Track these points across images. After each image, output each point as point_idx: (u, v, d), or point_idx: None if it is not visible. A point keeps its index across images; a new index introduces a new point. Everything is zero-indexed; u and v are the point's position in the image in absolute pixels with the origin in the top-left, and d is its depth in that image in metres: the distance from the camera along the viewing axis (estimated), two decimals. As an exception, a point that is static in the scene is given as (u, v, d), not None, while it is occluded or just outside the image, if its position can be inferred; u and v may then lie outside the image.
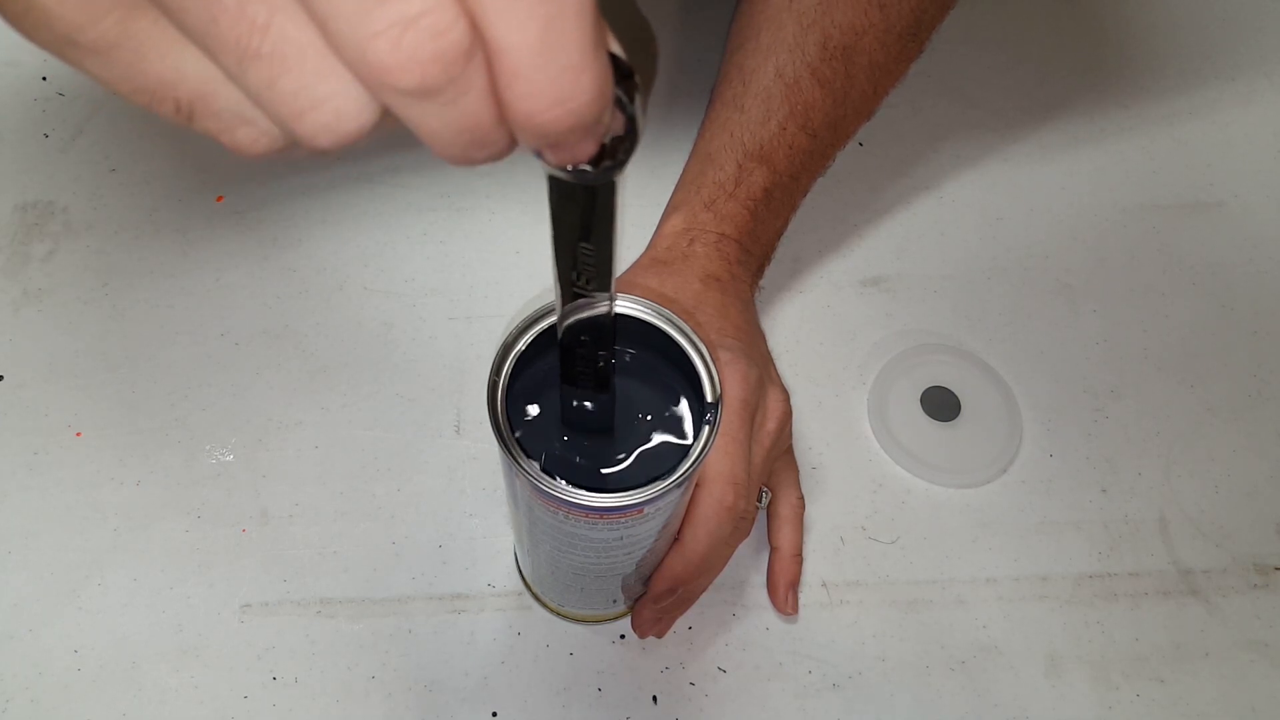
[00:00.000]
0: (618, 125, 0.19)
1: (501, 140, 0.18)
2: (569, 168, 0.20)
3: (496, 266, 0.58)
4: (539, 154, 0.19)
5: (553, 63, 0.16)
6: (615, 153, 0.20)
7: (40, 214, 0.58)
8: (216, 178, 0.60)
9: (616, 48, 0.18)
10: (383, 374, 0.54)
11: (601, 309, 0.28)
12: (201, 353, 0.54)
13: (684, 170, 0.52)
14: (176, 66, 0.18)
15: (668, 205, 0.51)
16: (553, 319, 0.33)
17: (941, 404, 0.55)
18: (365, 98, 0.17)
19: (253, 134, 0.19)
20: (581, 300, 0.27)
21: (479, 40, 0.16)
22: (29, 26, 0.17)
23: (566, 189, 0.22)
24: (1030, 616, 0.49)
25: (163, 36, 0.18)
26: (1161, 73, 0.69)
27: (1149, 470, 0.54)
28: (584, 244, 0.24)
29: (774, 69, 0.50)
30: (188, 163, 0.61)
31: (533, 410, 0.34)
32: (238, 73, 0.17)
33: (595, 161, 0.20)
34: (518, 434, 0.32)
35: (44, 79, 0.63)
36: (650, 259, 0.48)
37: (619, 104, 0.19)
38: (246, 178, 0.60)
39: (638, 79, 0.19)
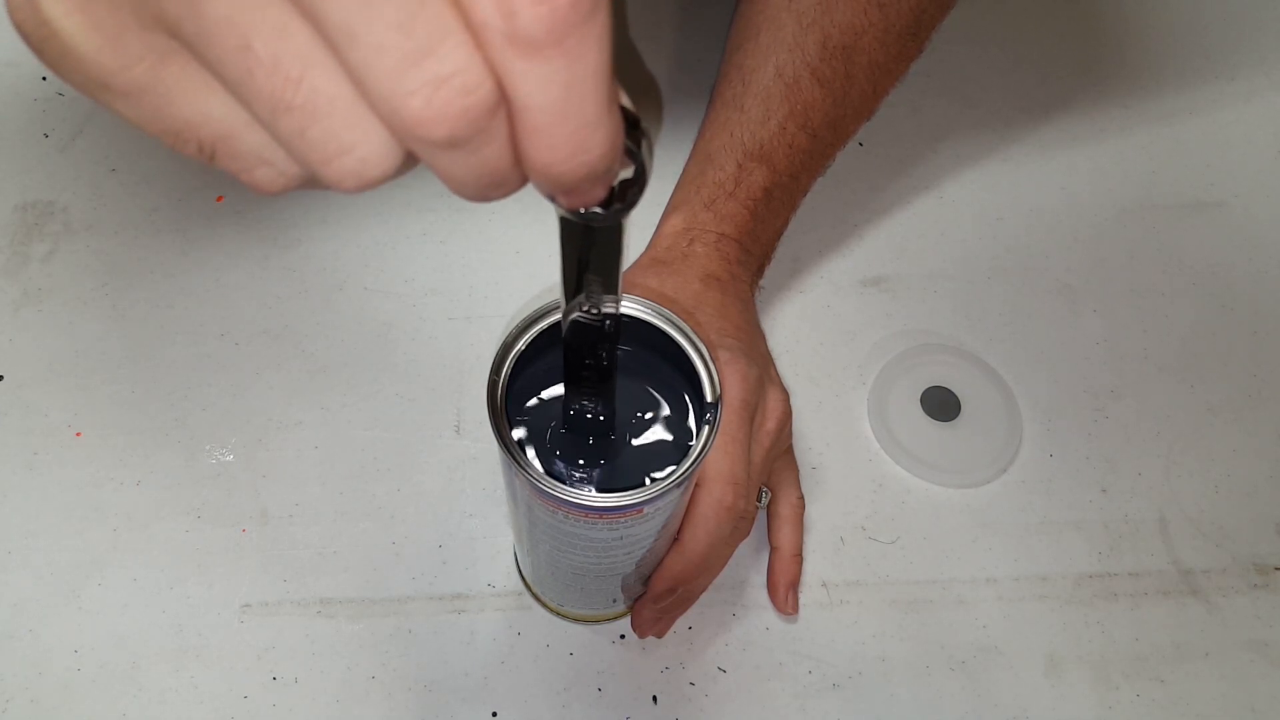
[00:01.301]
0: (626, 170, 0.21)
1: (516, 181, 0.19)
2: (581, 210, 0.21)
3: (496, 266, 0.58)
4: (552, 198, 0.20)
5: (571, 121, 0.17)
6: (624, 196, 0.21)
7: (40, 214, 0.58)
8: (216, 178, 0.60)
9: (626, 101, 0.19)
10: (383, 374, 0.54)
11: (606, 322, 0.28)
12: (201, 353, 0.54)
13: (684, 170, 0.52)
14: (202, 110, 0.19)
15: (668, 205, 0.51)
16: (553, 318, 0.33)
17: (941, 404, 0.55)
18: (390, 146, 0.18)
19: (271, 174, 0.20)
20: (588, 337, 0.29)
21: (503, 98, 0.17)
22: (65, 70, 0.18)
23: (577, 229, 0.23)
24: (1030, 616, 0.49)
25: (191, 82, 0.18)
26: (1161, 72, 0.69)
27: (1149, 470, 0.54)
28: (591, 275, 0.26)
29: (774, 69, 0.50)
30: (188, 163, 0.61)
31: (533, 410, 0.34)
32: (269, 121, 0.18)
33: (605, 204, 0.21)
34: (517, 434, 0.32)
35: (44, 79, 0.64)
36: (650, 259, 0.48)
37: (628, 152, 0.20)
38: (246, 178, 0.60)
39: (645, 128, 0.20)
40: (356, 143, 0.18)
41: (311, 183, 0.20)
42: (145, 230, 0.58)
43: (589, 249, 0.25)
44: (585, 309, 0.28)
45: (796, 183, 0.51)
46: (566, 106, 0.17)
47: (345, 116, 0.18)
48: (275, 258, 0.58)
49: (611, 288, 0.27)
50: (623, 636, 0.48)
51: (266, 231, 0.58)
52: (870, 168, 0.63)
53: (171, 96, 0.19)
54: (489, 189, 0.19)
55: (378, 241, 0.59)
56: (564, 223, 0.24)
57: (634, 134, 0.20)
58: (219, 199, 0.60)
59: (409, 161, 0.19)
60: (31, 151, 0.61)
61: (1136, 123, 0.66)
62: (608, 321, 0.28)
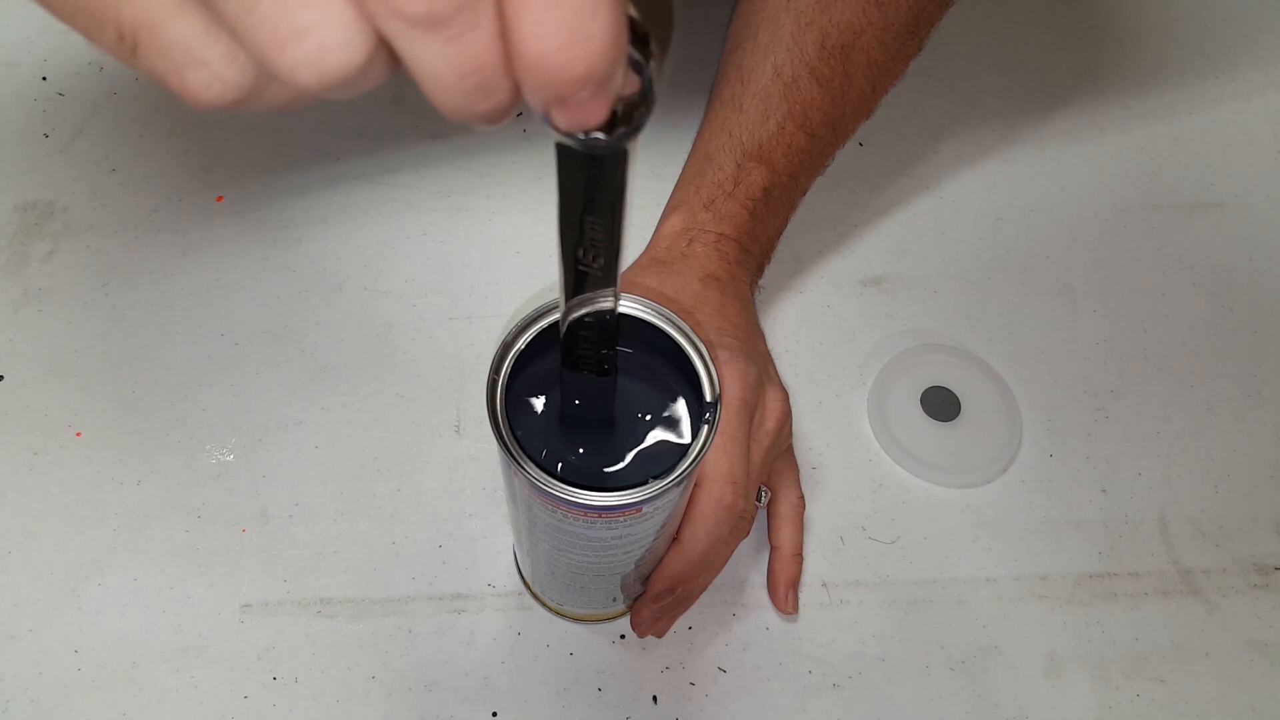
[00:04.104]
0: (632, 87, 0.18)
1: (505, 90, 0.17)
2: (580, 135, 0.19)
3: (496, 266, 0.58)
4: (547, 116, 0.18)
5: (565, 1, 0.15)
6: (630, 117, 0.19)
7: (40, 214, 0.58)
8: (216, 178, 0.60)
9: (634, 10, 0.18)
10: (383, 374, 0.54)
11: (606, 301, 0.27)
12: (201, 353, 0.54)
13: (683, 170, 0.52)
14: None
15: (667, 205, 0.51)
16: (553, 317, 0.33)
17: (941, 404, 0.55)
18: (356, 28, 0.16)
19: (205, 78, 0.17)
20: (586, 292, 0.26)
21: None
22: None
23: (576, 159, 0.21)
24: (1030, 616, 0.49)
25: None
26: (1161, 72, 0.69)
27: (1149, 470, 0.54)
28: (592, 218, 0.23)
29: (772, 68, 0.50)
30: (188, 163, 0.61)
31: (532, 409, 0.34)
32: None
33: (608, 128, 0.19)
34: (517, 433, 0.32)
35: (44, 79, 0.64)
36: (650, 259, 0.48)
37: (634, 65, 0.18)
38: (246, 178, 0.60)
39: (654, 46, 0.18)
40: (315, 23, 0.15)
41: (254, 95, 0.17)
42: (145, 230, 0.58)
43: (590, 185, 0.22)
44: (585, 262, 0.25)
45: (795, 182, 0.51)
46: None
47: None
48: (275, 258, 0.58)
49: (615, 234, 0.23)
50: (623, 636, 0.48)
51: (266, 231, 0.58)
52: (870, 168, 0.63)
53: None
54: (474, 95, 0.17)
55: (378, 241, 0.59)
56: (562, 152, 0.21)
57: (641, 49, 0.18)
58: (219, 199, 0.60)
59: (378, 59, 0.16)
60: (31, 151, 0.61)
61: (1136, 122, 0.66)
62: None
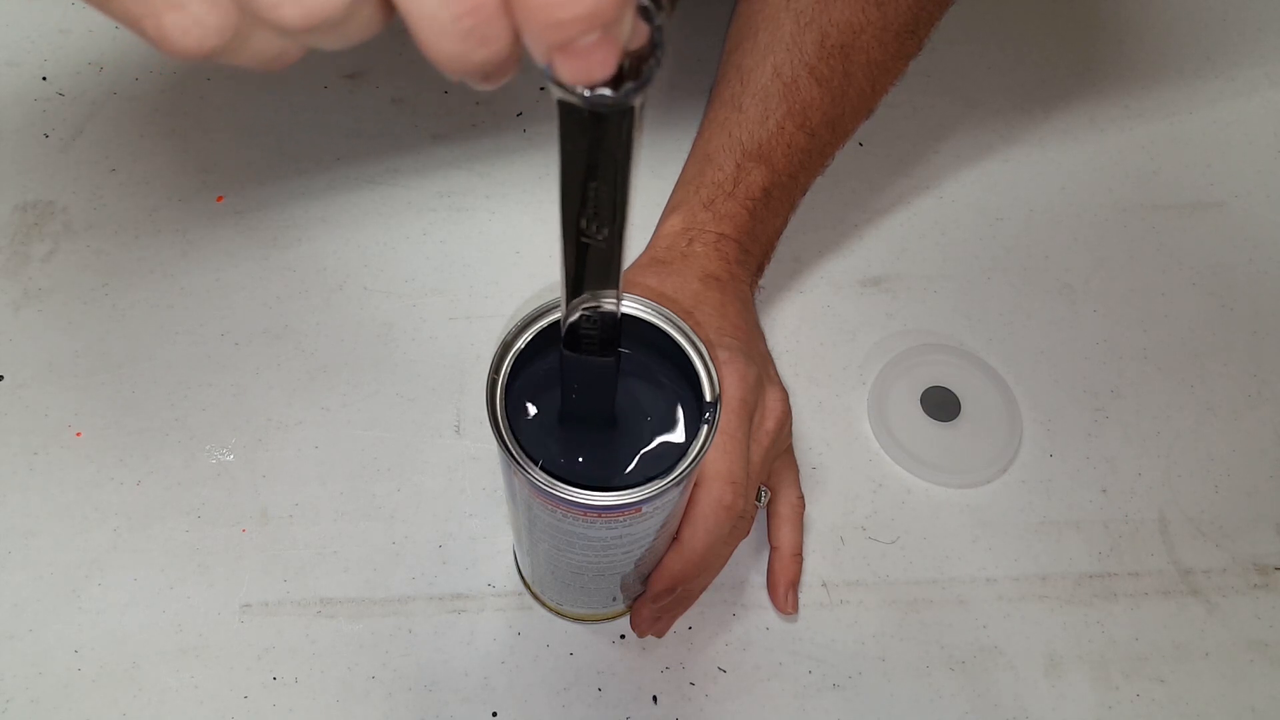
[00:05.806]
0: (640, 39, 0.17)
1: (504, 36, 0.16)
2: (586, 92, 0.17)
3: (496, 266, 0.58)
4: (550, 67, 0.17)
5: None
6: (639, 71, 0.18)
7: (40, 214, 0.58)
8: (216, 178, 0.60)
9: None
10: (383, 374, 0.54)
11: (610, 291, 0.27)
12: (201, 353, 0.54)
13: (683, 170, 0.52)
14: None
15: (667, 205, 0.51)
16: (553, 317, 0.33)
17: (941, 404, 0.54)
18: None
19: (184, 23, 0.15)
20: (589, 265, 0.25)
21: None
22: None
23: (580, 117, 0.19)
24: (1030, 616, 0.49)
25: None
26: (1161, 72, 0.69)
27: (1149, 470, 0.54)
28: (595, 184, 0.22)
29: (772, 68, 0.50)
30: (188, 163, 0.61)
31: (532, 409, 0.34)
32: None
33: (614, 84, 0.18)
34: (517, 433, 0.32)
35: (44, 79, 0.64)
36: (649, 259, 0.48)
37: (643, 12, 0.17)
38: (247, 178, 0.60)
39: None
40: None
41: (235, 43, 0.16)
42: (145, 230, 0.58)
43: (594, 147, 0.20)
44: (588, 233, 0.23)
45: (795, 182, 0.51)
46: None
47: None
48: (275, 258, 0.58)
49: (620, 201, 0.22)
50: (623, 636, 0.48)
51: (266, 231, 0.58)
52: (870, 168, 0.63)
53: None
54: (470, 40, 0.15)
55: (378, 241, 0.59)
56: (564, 110, 0.19)
57: None
58: (219, 199, 0.60)
59: (366, 4, 0.15)
60: (31, 151, 0.61)
61: (1136, 122, 0.66)
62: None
